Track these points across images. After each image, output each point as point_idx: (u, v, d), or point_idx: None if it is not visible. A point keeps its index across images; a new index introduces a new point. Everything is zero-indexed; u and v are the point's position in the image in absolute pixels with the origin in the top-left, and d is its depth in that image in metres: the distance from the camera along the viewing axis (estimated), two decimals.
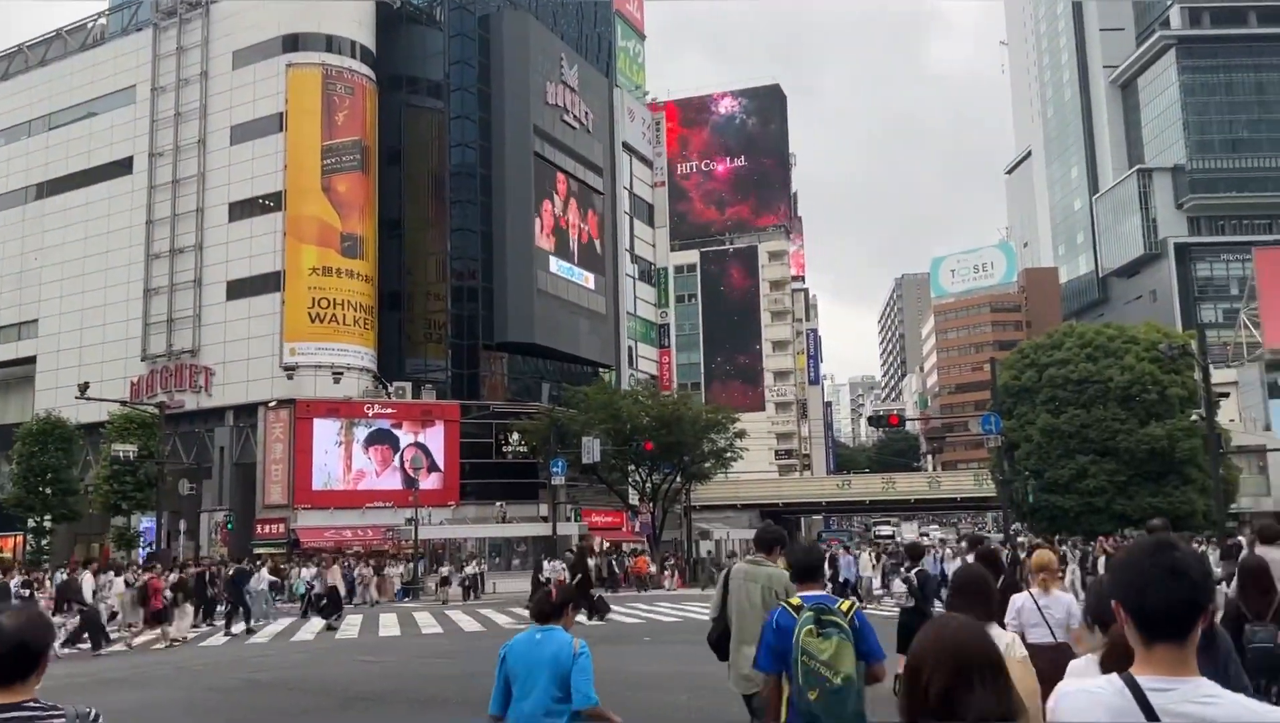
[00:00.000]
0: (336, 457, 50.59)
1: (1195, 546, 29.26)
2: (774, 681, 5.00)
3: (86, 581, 22.05)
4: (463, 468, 52.86)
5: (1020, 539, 35.30)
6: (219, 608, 28.61)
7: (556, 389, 58.22)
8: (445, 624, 26.49)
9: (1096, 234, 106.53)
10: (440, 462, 52.34)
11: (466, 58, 58.75)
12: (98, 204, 58.71)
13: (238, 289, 53.45)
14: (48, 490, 47.44)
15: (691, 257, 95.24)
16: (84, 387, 39.43)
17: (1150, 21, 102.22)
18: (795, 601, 5.04)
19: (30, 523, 49.33)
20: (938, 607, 12.03)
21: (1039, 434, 46.30)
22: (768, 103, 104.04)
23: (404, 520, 45.18)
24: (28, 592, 25.31)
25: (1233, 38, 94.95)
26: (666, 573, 45.39)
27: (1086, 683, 2.21)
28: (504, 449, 53.50)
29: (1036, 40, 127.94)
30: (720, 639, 6.84)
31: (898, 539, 66.01)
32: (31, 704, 2.83)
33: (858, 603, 5.27)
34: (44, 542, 49.50)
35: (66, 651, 20.69)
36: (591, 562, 46.68)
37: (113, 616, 25.00)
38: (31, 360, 59.84)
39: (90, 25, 64.31)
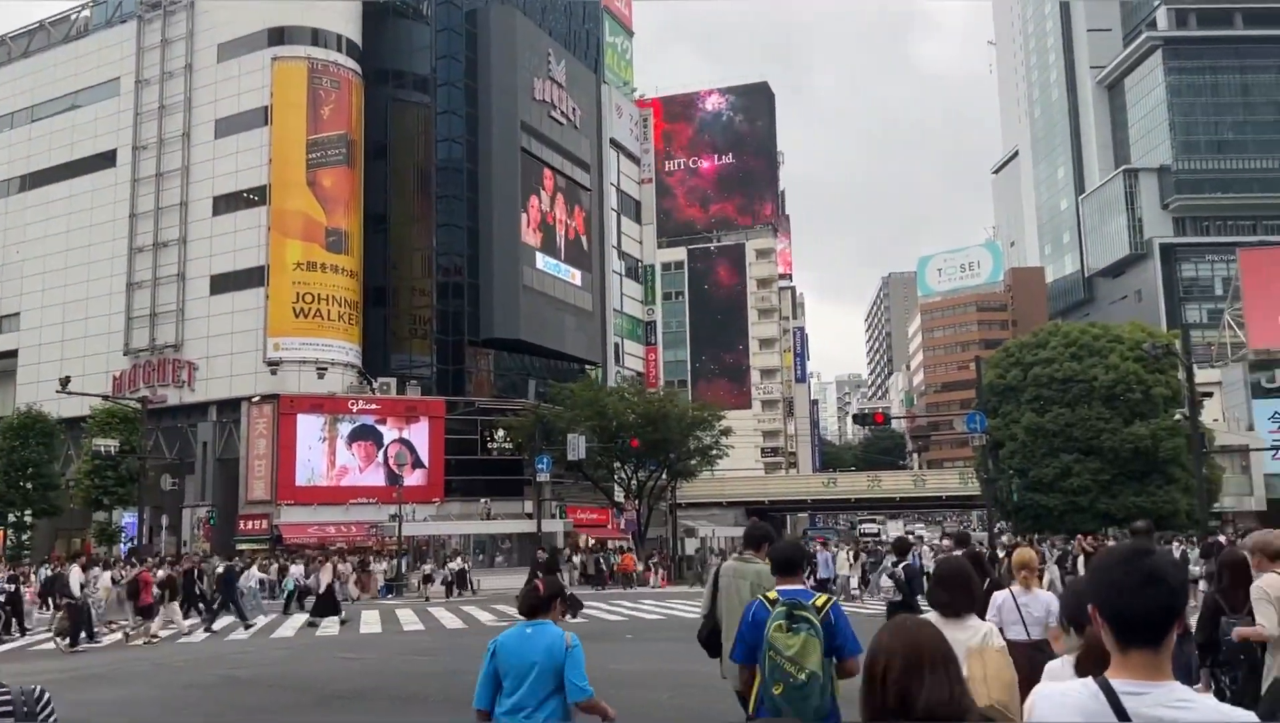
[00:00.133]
0: (320, 453, 50.34)
1: (1176, 545, 29.40)
2: (749, 671, 5.04)
3: (74, 574, 21.82)
4: (447, 464, 52.66)
5: (1002, 538, 35.38)
6: (209, 605, 28.41)
7: (543, 386, 58.08)
8: (427, 621, 26.36)
9: (1082, 234, 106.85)
10: (425, 458, 52.14)
11: (453, 52, 58.53)
12: (80, 197, 58.28)
13: (221, 283, 53.12)
14: (28, 485, 47.15)
15: (679, 254, 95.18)
16: (65, 381, 39.13)
17: (1137, 23, 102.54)
18: (772, 594, 5.08)
19: (10, 518, 48.98)
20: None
21: (1023, 433, 46.37)
22: (755, 100, 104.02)
23: (388, 517, 44.99)
24: (13, 587, 25.17)
25: (1219, 39, 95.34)
26: (652, 571, 45.30)
27: (1062, 686, 2.24)
28: (489, 446, 53.34)
29: (1024, 40, 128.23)
30: (710, 637, 6.87)
31: (882, 537, 66.13)
32: None
33: (833, 597, 5.25)
34: (24, 537, 49.18)
35: (55, 646, 20.48)
36: (576, 559, 46.89)
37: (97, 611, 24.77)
38: (13, 354, 59.41)
39: (74, 17, 63.79)
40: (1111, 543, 28.23)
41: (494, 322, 56.62)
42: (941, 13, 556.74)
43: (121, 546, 46.83)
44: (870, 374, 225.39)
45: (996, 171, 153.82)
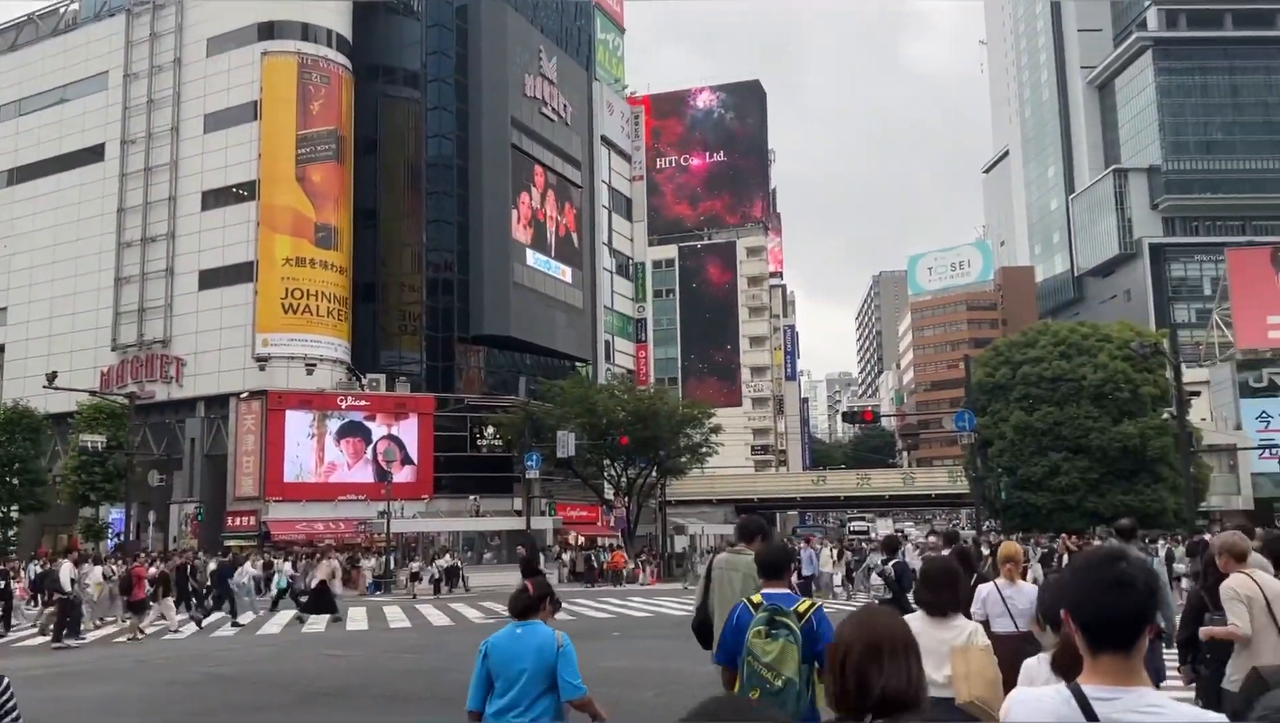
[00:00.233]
0: (309, 449, 50.19)
1: (1161, 543, 29.47)
2: (730, 674, 5.07)
3: (65, 570, 21.69)
4: (437, 461, 52.57)
5: (989, 537, 35.39)
6: (201, 601, 28.30)
7: (533, 383, 58.01)
8: (414, 619, 26.28)
9: (1072, 233, 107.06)
10: (414, 455, 52.04)
11: (444, 48, 58.40)
12: (69, 191, 58.00)
13: (210, 279, 52.94)
14: (15, 481, 46.88)
15: (670, 252, 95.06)
16: (52, 376, 38.95)
17: (1128, 23, 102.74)
18: (756, 598, 5.09)
19: None
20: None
21: (1012, 431, 46.45)
22: (747, 98, 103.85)
23: (376, 514, 44.85)
24: (2, 582, 25.02)
25: (1209, 40, 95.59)
26: (641, 568, 45.27)
27: (1036, 692, 2.29)
28: (478, 443, 53.22)
29: (1015, 40, 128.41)
30: (702, 627, 6.98)
31: (872, 535, 66.21)
32: None
33: (817, 602, 5.22)
34: (11, 533, 48.88)
35: (58, 643, 20.38)
36: (566, 556, 46.86)
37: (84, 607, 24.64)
38: (0, 349, 59.08)
39: (62, 10, 63.46)
40: (1096, 542, 28.27)
41: (484, 318, 56.52)
42: (933, 12, 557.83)
43: (108, 541, 46.64)
44: (860, 372, 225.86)
45: (987, 171, 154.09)
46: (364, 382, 52.75)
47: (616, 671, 14.55)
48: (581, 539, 52.27)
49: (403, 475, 50.52)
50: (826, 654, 2.51)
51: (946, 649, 5.01)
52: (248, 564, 30.93)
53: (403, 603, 32.15)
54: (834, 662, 2.42)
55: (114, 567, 28.14)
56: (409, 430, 52.22)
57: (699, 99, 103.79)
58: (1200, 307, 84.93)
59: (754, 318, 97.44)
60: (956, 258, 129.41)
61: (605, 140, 72.92)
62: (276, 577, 34.14)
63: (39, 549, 47.79)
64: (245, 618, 25.64)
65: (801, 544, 33.22)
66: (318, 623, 25.22)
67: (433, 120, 57.57)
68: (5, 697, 2.83)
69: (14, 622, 25.22)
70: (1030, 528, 43.06)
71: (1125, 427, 44.38)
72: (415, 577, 37.74)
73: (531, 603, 5.31)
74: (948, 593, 5.17)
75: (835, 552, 35.05)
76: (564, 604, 27.16)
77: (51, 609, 21.67)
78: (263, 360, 50.61)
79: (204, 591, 27.76)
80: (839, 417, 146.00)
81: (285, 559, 37.13)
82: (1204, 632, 6.35)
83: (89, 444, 42.92)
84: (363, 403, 51.73)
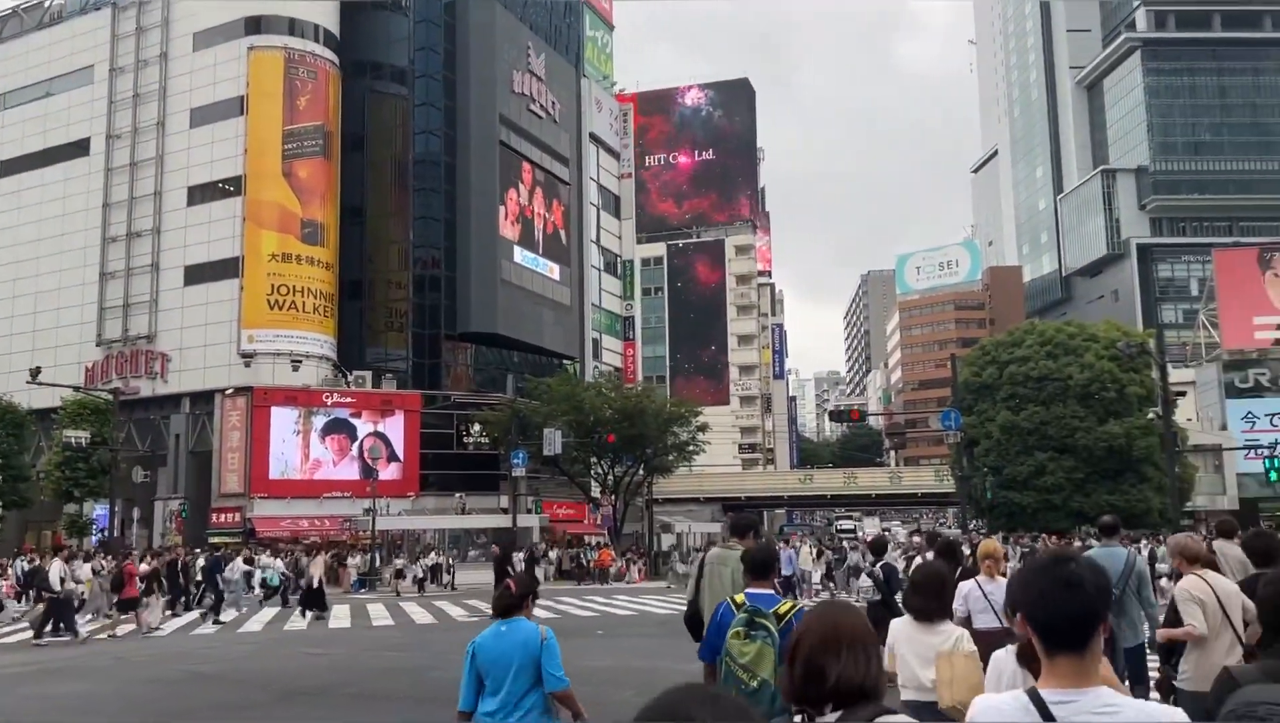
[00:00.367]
0: (294, 446, 49.96)
1: (1144, 542, 29.50)
2: (713, 671, 5.16)
3: (55, 568, 21.51)
4: (423, 458, 52.39)
5: (970, 535, 35.42)
6: (197, 598, 28.18)
7: (521, 381, 57.85)
8: (398, 616, 26.17)
9: (1060, 234, 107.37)
10: (400, 452, 51.86)
11: (432, 44, 58.18)
12: (53, 186, 57.62)
13: (196, 274, 52.66)
14: None
15: (658, 249, 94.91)
16: (36, 371, 38.78)
17: (1117, 23, 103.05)
18: (739, 598, 5.15)
19: None
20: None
21: (998, 431, 46.48)
22: (736, 97, 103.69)
23: (362, 511, 44.69)
24: None
25: (1197, 41, 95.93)
26: (627, 567, 45.16)
27: (997, 698, 2.31)
28: (465, 440, 53.05)
29: (1004, 40, 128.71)
30: (693, 620, 7.16)
31: (858, 534, 66.24)
32: None
33: (799, 604, 5.28)
34: None
35: (40, 640, 20.28)
36: (553, 553, 46.74)
37: (80, 604, 24.43)
38: None
39: (47, 3, 62.96)
40: (1076, 543, 28.25)
41: (471, 315, 56.35)
42: (925, 12, 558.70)
43: (92, 538, 46.37)
44: (849, 371, 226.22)
45: (976, 171, 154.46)
46: (350, 379, 52.54)
47: (598, 669, 14.46)
48: (569, 537, 52.14)
49: (388, 473, 50.36)
50: (786, 646, 2.54)
51: (933, 654, 5.10)
52: (238, 561, 30.79)
53: (386, 601, 32.03)
54: (791, 650, 2.45)
55: (102, 562, 27.95)
56: (395, 428, 52.03)
57: (687, 97, 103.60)
58: (1187, 307, 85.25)
59: (742, 316, 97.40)
60: (945, 257, 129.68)
61: (594, 137, 72.77)
62: (268, 573, 33.96)
63: (24, 546, 47.54)
64: (227, 616, 25.45)
65: (781, 544, 33.18)
66: (299, 621, 25.10)
67: (420, 117, 57.36)
68: None
69: None
70: (1016, 527, 43.10)
71: (1111, 427, 44.46)
72: (399, 574, 37.61)
73: (514, 601, 5.41)
74: (936, 600, 5.27)
75: (814, 550, 35.00)
76: (549, 602, 27.27)
77: (43, 606, 21.48)
78: (248, 357, 50.36)
79: (199, 587, 27.64)
80: (827, 416, 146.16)
81: (276, 556, 36.88)
82: (1161, 634, 6.52)
83: (73, 440, 42.69)
84: (349, 400, 51.53)
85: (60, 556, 22.89)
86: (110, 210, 55.47)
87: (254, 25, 53.21)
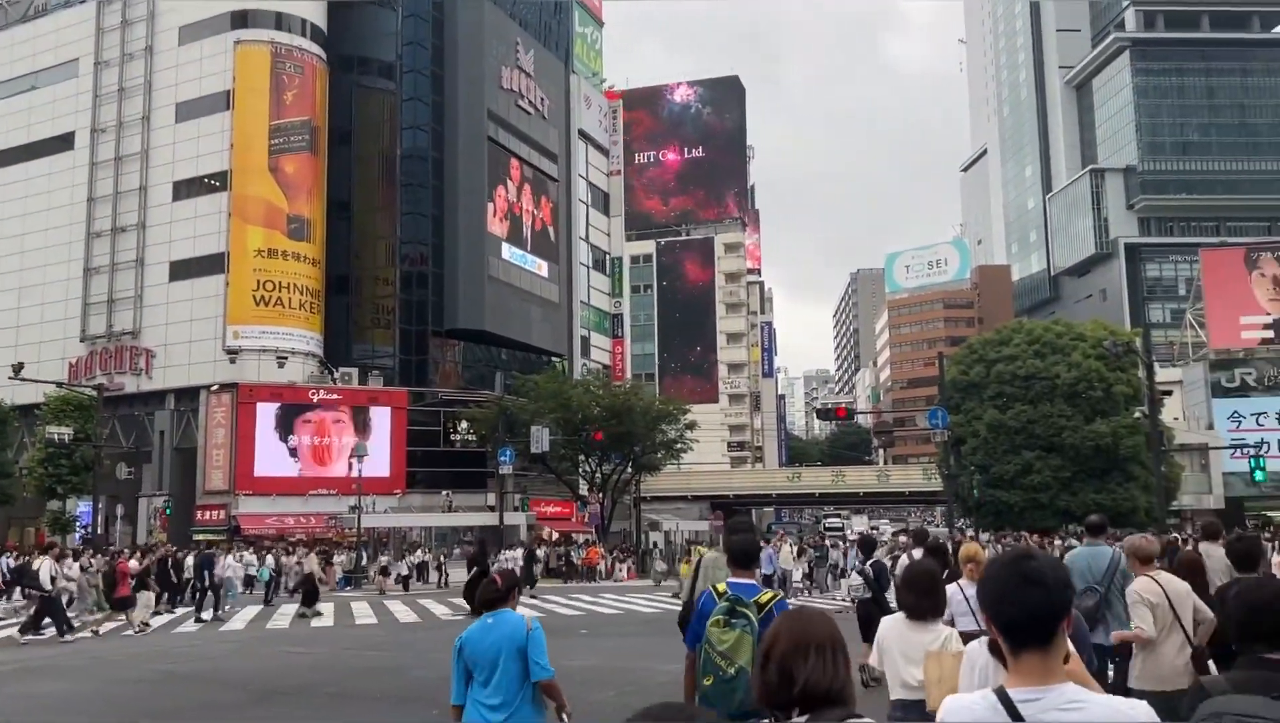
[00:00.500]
0: (279, 443, 49.65)
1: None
2: (693, 657, 5.23)
3: (46, 567, 21.27)
4: (410, 456, 52.19)
5: (956, 536, 35.44)
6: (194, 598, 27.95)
7: (509, 378, 57.69)
8: (381, 615, 26.00)
9: (1049, 233, 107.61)
10: (387, 449, 51.56)
11: (420, 39, 57.91)
12: (37, 180, 57.21)
13: (181, 270, 52.35)
14: None
15: (647, 247, 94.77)
16: (18, 367, 38.44)
17: (1106, 23, 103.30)
18: (721, 587, 5.19)
19: None
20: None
21: (985, 429, 46.49)
22: (725, 94, 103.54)
23: (348, 508, 44.46)
24: None
25: (1186, 41, 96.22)
26: (616, 564, 44.99)
27: (966, 699, 2.32)
28: (452, 437, 52.86)
29: (994, 39, 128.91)
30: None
31: (846, 532, 66.28)
32: None
33: (779, 594, 5.30)
34: None
35: (28, 637, 20.09)
36: (541, 552, 46.54)
37: (70, 601, 24.20)
38: None
39: None
40: (1058, 542, 28.18)
41: (458, 312, 56.12)
42: (914, 11, 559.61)
43: (76, 535, 46.06)
44: (838, 370, 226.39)
45: (965, 170, 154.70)
46: (336, 375, 52.29)
47: (580, 669, 14.32)
48: (556, 535, 51.98)
49: (375, 470, 50.05)
50: (759, 652, 2.58)
51: (921, 653, 5.10)
52: (230, 558, 30.49)
53: (371, 599, 31.85)
54: (763, 652, 2.51)
55: (91, 560, 27.67)
56: (381, 425, 51.77)
57: (676, 94, 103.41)
58: (1175, 307, 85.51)
59: (731, 314, 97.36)
60: (934, 256, 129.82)
61: (582, 134, 72.57)
62: (260, 570, 33.67)
63: (7, 542, 47.17)
64: (207, 614, 25.24)
65: (761, 543, 33.08)
66: (282, 619, 24.92)
67: (408, 112, 57.09)
68: None
69: None
70: (1003, 526, 43.11)
71: (1098, 426, 44.50)
72: (384, 572, 37.43)
73: (500, 594, 5.49)
74: (929, 598, 5.29)
75: (795, 549, 34.94)
76: (535, 602, 27.13)
77: (37, 606, 21.25)
78: (233, 353, 50.07)
79: (189, 584, 27.45)
80: (815, 414, 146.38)
81: (269, 553, 36.56)
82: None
83: (56, 436, 42.43)
84: (335, 397, 51.27)
85: (50, 554, 22.69)
86: (95, 205, 55.11)
87: (240, 19, 52.92)
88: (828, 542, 40.74)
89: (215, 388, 49.39)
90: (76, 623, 21.74)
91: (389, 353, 55.54)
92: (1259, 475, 38.07)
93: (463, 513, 51.26)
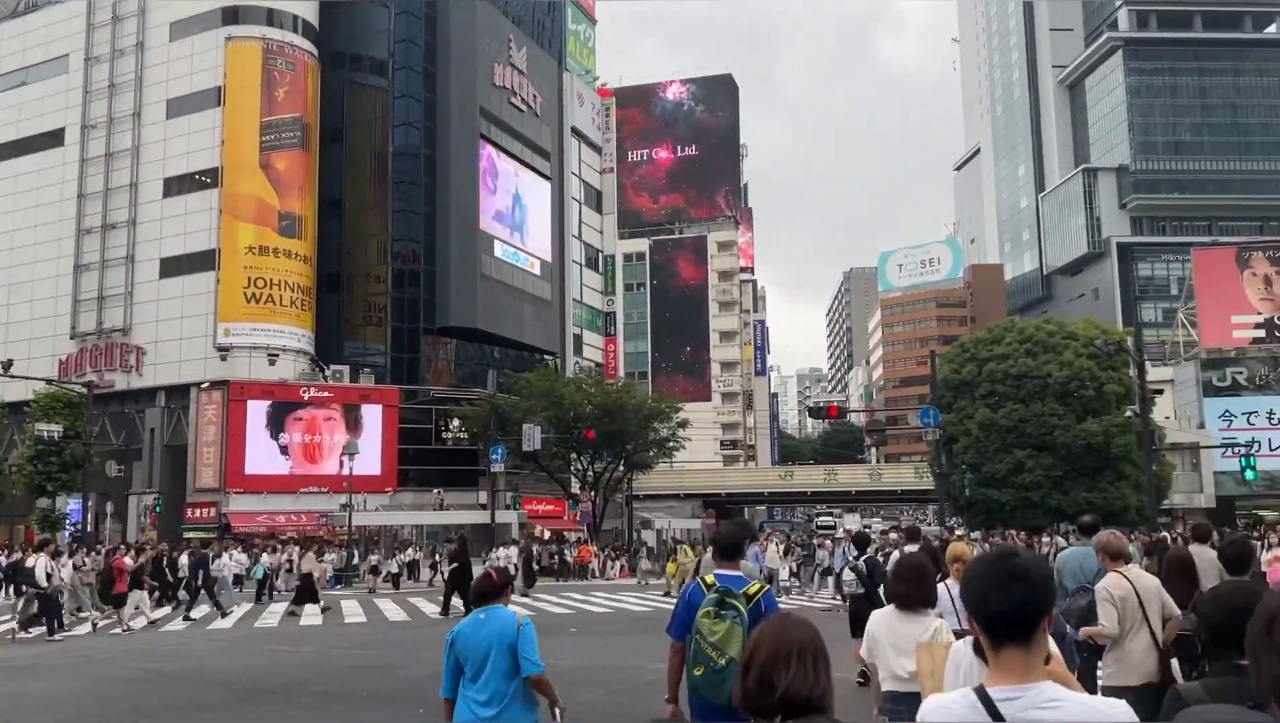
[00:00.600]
0: (270, 440, 49.50)
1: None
2: (680, 647, 5.26)
3: (42, 564, 21.15)
4: (401, 454, 52.07)
5: (943, 535, 35.40)
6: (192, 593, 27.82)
7: (502, 376, 57.59)
8: (370, 613, 25.90)
9: (1042, 232, 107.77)
10: (378, 447, 51.43)
11: (412, 36, 57.77)
12: (27, 176, 57.00)
13: (171, 267, 52.16)
14: None
15: (640, 245, 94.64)
16: (8, 364, 38.37)
17: (1099, 23, 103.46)
18: (709, 579, 5.22)
19: None
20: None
21: (977, 428, 46.44)
22: (719, 92, 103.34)
23: (339, 506, 44.34)
24: None
25: (1179, 41, 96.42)
26: (607, 562, 44.91)
27: (946, 698, 2.33)
28: (444, 435, 52.77)
29: (988, 39, 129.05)
30: None
31: (838, 531, 66.30)
32: None
33: (766, 586, 5.36)
34: None
35: (24, 634, 19.91)
36: (534, 550, 46.41)
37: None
38: None
39: None
40: (1046, 540, 28.15)
41: (451, 310, 56.01)
42: (908, 10, 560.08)
43: (65, 532, 45.88)
44: (830, 368, 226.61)
45: (958, 168, 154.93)
46: (327, 373, 52.15)
47: (568, 668, 14.24)
48: (548, 534, 51.90)
49: (366, 468, 49.92)
50: (742, 659, 2.60)
51: (912, 645, 5.13)
52: (225, 556, 30.33)
53: (360, 597, 31.73)
54: (745, 663, 2.51)
55: (84, 558, 27.52)
56: (373, 423, 51.65)
57: (669, 91, 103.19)
58: (1167, 306, 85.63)
59: (724, 312, 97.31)
60: (927, 255, 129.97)
61: (575, 132, 72.49)
62: (255, 569, 33.58)
63: None
64: (197, 613, 25.12)
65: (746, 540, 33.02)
66: (271, 617, 24.82)
67: (400, 109, 56.95)
68: None
69: None
70: (995, 525, 43.11)
71: (1089, 424, 44.47)
72: (375, 570, 37.33)
73: (494, 589, 5.56)
74: (920, 589, 5.34)
75: (781, 547, 34.90)
76: (526, 600, 27.04)
77: (33, 604, 21.13)
78: (224, 350, 49.91)
79: (192, 583, 27.33)
80: (807, 412, 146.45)
81: (264, 551, 36.45)
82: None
83: (45, 433, 42.26)
84: (326, 394, 51.12)
85: (46, 551, 22.59)
86: (85, 201, 54.90)
87: (232, 15, 52.73)
88: (815, 541, 40.59)
89: (206, 385, 49.23)
90: (67, 622, 21.60)
91: (380, 351, 55.42)
92: (1250, 475, 38.17)
93: (454, 511, 51.15)
